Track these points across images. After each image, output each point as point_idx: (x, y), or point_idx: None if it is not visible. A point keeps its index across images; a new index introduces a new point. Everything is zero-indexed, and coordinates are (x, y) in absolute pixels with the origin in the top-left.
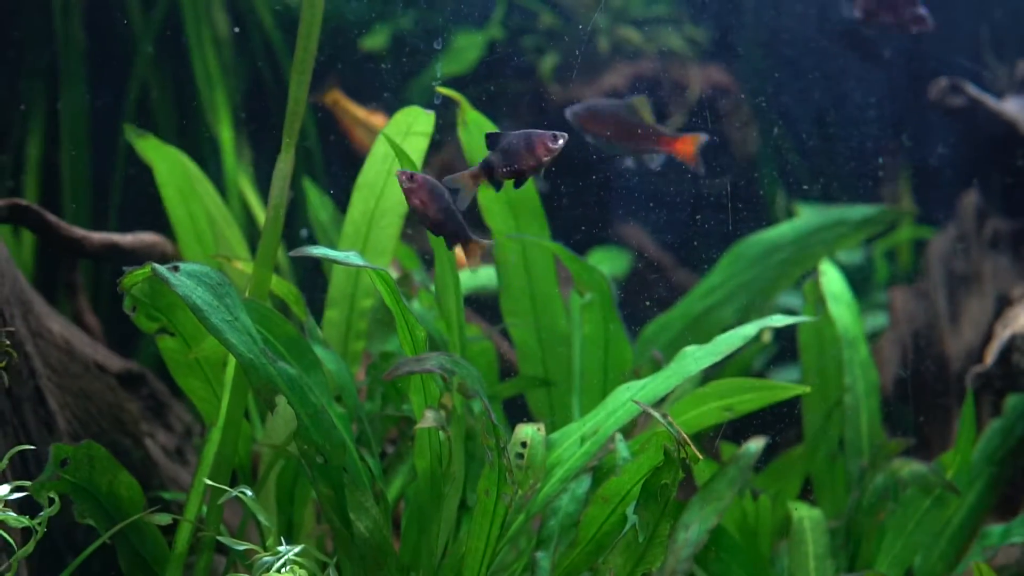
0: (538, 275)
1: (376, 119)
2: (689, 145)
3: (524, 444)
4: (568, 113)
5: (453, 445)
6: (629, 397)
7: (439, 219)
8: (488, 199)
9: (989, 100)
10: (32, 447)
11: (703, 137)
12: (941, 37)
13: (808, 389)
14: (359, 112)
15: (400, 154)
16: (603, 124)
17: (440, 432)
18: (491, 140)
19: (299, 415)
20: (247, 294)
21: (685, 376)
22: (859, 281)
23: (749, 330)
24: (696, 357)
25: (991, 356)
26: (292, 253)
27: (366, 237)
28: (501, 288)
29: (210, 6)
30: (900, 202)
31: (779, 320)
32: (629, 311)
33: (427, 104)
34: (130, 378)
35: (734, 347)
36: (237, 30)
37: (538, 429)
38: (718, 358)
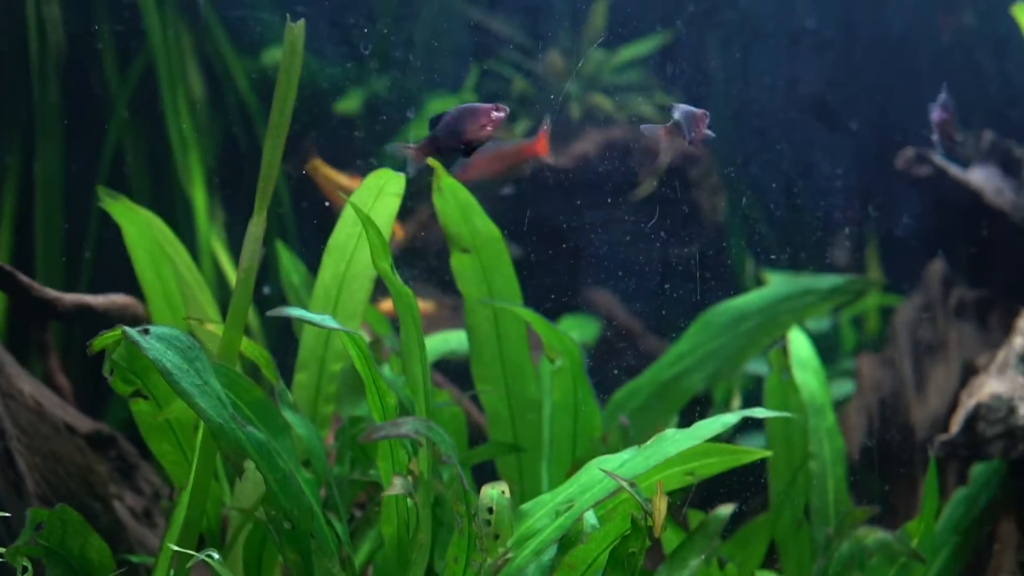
0: (509, 341)
1: (357, 185)
2: (542, 141)
3: (490, 510)
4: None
5: (420, 512)
6: (606, 472)
7: None
8: (461, 264)
9: (955, 170)
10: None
11: (547, 124)
12: (906, 108)
13: (769, 453)
14: (340, 179)
15: (366, 221)
16: (475, 166)
17: (408, 499)
18: (433, 120)
19: (267, 480)
20: (216, 357)
21: (664, 457)
22: (826, 348)
23: (730, 419)
24: (676, 440)
25: (956, 425)
26: (270, 313)
27: (336, 300)
28: (472, 354)
29: (185, 68)
30: (867, 271)
31: (761, 412)
32: (599, 377)
33: (402, 168)
34: (99, 439)
35: (715, 432)
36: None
37: (503, 492)
38: (698, 442)
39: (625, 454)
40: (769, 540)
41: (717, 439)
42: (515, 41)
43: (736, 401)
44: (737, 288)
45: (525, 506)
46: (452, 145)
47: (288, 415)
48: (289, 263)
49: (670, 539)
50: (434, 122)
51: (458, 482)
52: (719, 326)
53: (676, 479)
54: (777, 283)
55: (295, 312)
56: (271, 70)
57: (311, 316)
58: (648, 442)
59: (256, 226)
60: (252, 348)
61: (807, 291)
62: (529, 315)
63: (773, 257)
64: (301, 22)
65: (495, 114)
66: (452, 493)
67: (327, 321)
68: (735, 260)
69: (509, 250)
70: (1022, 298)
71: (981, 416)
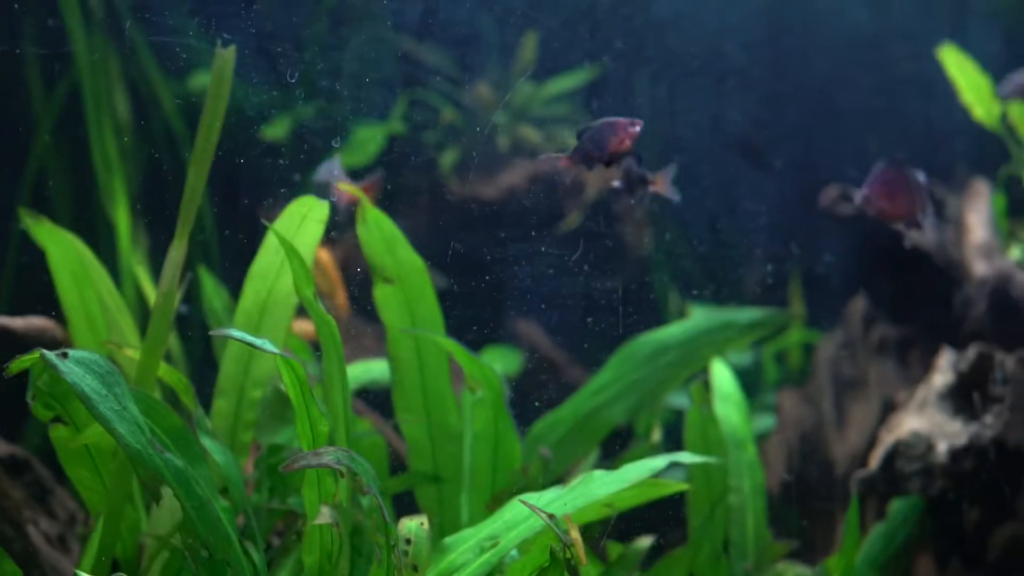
0: (431, 371)
1: (320, 254)
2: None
3: (408, 541)
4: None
5: (343, 541)
6: (531, 507)
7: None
8: (384, 294)
9: None
10: None
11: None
12: (830, 148)
13: (687, 486)
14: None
15: (288, 248)
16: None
17: (332, 528)
18: (580, 132)
19: (184, 507)
20: (134, 382)
21: (592, 499)
22: (749, 383)
23: (658, 463)
24: (604, 482)
25: (875, 461)
26: (212, 333)
27: (257, 326)
28: (394, 383)
29: (112, 92)
30: (790, 307)
31: (687, 457)
32: (521, 409)
33: (326, 196)
34: (14, 464)
35: (642, 477)
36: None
37: (421, 524)
38: (625, 485)
39: (551, 493)
40: (688, 573)
41: None
42: (444, 72)
43: (656, 434)
44: (661, 321)
45: (448, 540)
46: (597, 156)
47: (206, 442)
48: (211, 288)
49: (589, 572)
50: (580, 134)
51: (378, 512)
52: (640, 358)
53: (595, 511)
54: (698, 316)
55: (237, 334)
56: (197, 95)
57: (251, 338)
58: (575, 482)
59: (177, 251)
60: (171, 374)
61: (727, 324)
62: (451, 345)
63: (696, 292)
64: (231, 48)
65: (631, 128)
66: (372, 523)
67: (266, 345)
68: (659, 294)
69: (434, 280)
70: (942, 337)
71: (900, 453)
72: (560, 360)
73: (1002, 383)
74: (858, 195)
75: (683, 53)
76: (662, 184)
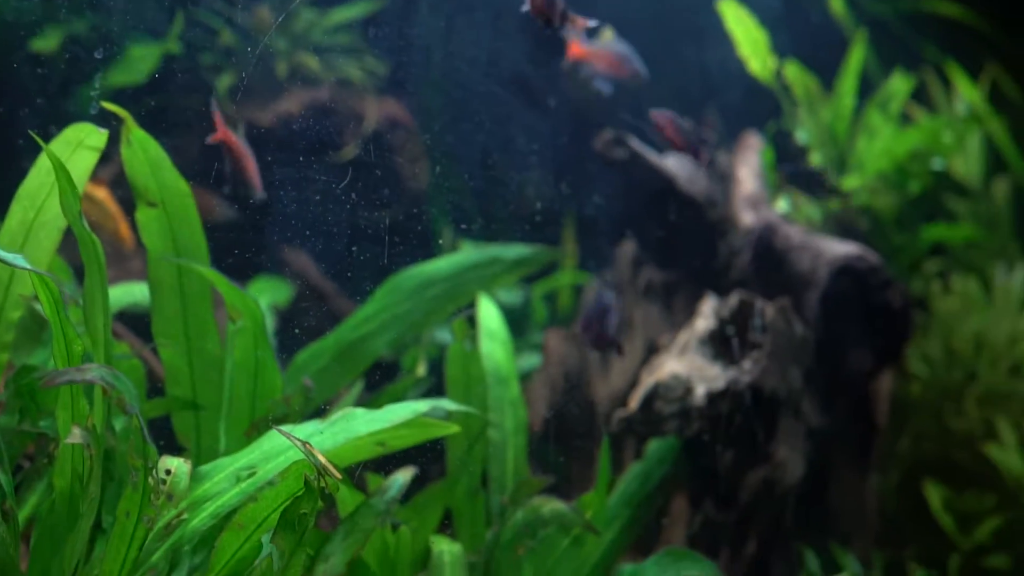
0: (193, 298)
1: (97, 191)
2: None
3: (168, 472)
4: None
5: (95, 465)
6: (290, 438)
7: None
8: (147, 218)
9: (651, 155)
10: None
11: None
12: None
13: (457, 429)
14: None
15: (58, 167)
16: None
17: (84, 450)
18: None
19: None
20: None
21: (353, 435)
22: (518, 322)
23: (420, 407)
24: (366, 420)
25: (635, 401)
26: None
27: (22, 248)
28: (153, 308)
29: None
30: (564, 247)
31: (450, 404)
32: (287, 339)
33: (97, 112)
34: None
35: (405, 419)
36: None
37: (184, 461)
38: (387, 425)
39: (310, 426)
40: (445, 507)
41: None
42: None
43: (422, 368)
44: (433, 255)
45: (203, 468)
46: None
47: None
48: None
49: (347, 503)
50: None
51: (137, 434)
52: (406, 291)
53: (367, 449)
54: (466, 251)
55: None
56: None
57: (4, 254)
58: (335, 417)
59: None
60: None
61: (494, 260)
62: (211, 274)
63: (467, 227)
64: None
65: None
66: (130, 446)
67: (18, 260)
68: (433, 228)
69: (208, 206)
70: (708, 284)
71: (659, 395)
72: (329, 291)
73: (761, 331)
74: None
75: None
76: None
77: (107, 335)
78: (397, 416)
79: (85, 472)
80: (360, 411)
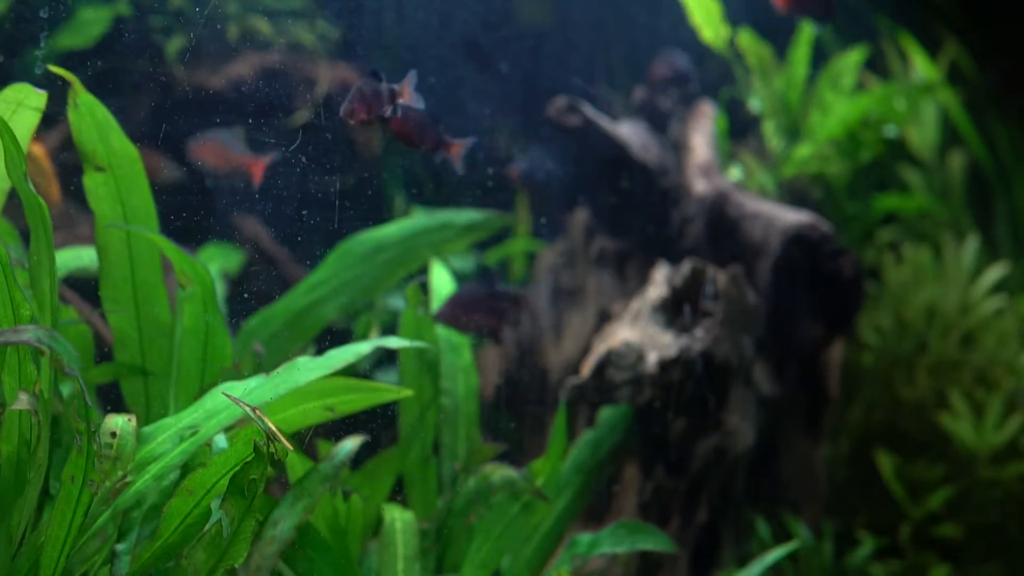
0: (142, 263)
1: (34, 147)
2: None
3: (114, 434)
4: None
5: (42, 430)
6: (231, 397)
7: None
8: (94, 182)
9: (605, 122)
10: None
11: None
12: (556, 56)
13: (410, 393)
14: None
15: (2, 127)
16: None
17: (31, 416)
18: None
19: None
20: None
21: (294, 385)
22: None
23: (363, 348)
24: (308, 368)
25: (587, 369)
26: None
27: None
28: (101, 273)
29: None
30: (517, 214)
31: (394, 341)
32: (238, 305)
33: (43, 74)
34: None
35: (347, 362)
36: None
37: (129, 420)
38: (329, 371)
39: (252, 381)
40: (397, 474)
41: (355, 373)
42: None
43: (374, 334)
44: (387, 220)
45: (146, 429)
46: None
47: None
48: None
49: (297, 469)
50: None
51: (80, 398)
52: (357, 256)
53: (316, 414)
54: (417, 216)
55: None
56: None
57: None
58: (278, 370)
59: None
60: None
61: (445, 225)
62: (159, 239)
63: (418, 193)
64: None
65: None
66: (72, 409)
67: None
68: (387, 192)
69: (160, 170)
70: (660, 252)
71: (611, 362)
72: (281, 256)
73: (713, 299)
74: (342, 108)
75: None
76: (407, 94)
77: (54, 299)
78: (339, 359)
79: (32, 438)
80: (302, 359)
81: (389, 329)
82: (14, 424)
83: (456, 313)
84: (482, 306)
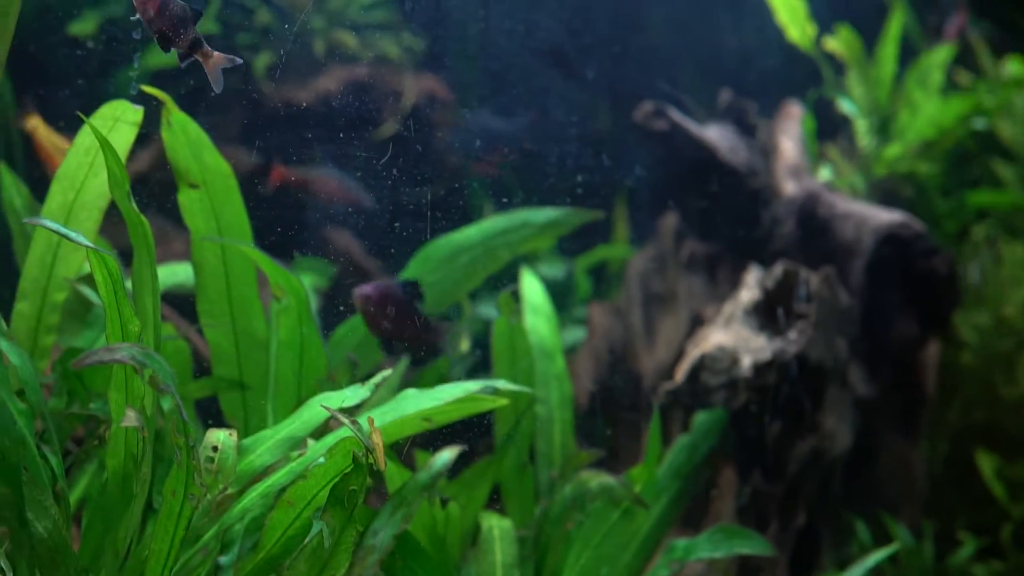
0: (237, 278)
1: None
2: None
3: (215, 448)
4: None
5: (147, 445)
6: (332, 411)
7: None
8: (189, 199)
9: (691, 126)
10: None
11: None
12: (641, 61)
13: (506, 402)
14: (59, 141)
15: (104, 144)
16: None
17: (137, 432)
18: None
19: None
20: None
21: (401, 415)
22: (562, 296)
23: (472, 386)
24: (416, 399)
25: (681, 374)
26: (26, 221)
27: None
28: (198, 289)
29: None
30: (614, 222)
31: (503, 384)
32: (333, 318)
33: (136, 94)
34: None
35: (455, 397)
36: None
37: (230, 434)
38: (438, 403)
39: (348, 391)
40: (493, 482)
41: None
42: None
43: (465, 344)
44: None
45: (245, 441)
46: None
47: (2, 343)
48: (12, 185)
49: (395, 479)
50: None
51: (177, 414)
52: (437, 260)
53: (413, 425)
54: (495, 217)
55: (52, 225)
56: None
57: (67, 231)
58: (390, 400)
59: None
60: None
61: (524, 224)
62: (254, 253)
63: (507, 201)
64: None
65: None
66: (171, 425)
67: (80, 238)
68: (473, 203)
69: (256, 186)
70: (750, 254)
71: (705, 366)
72: (372, 269)
73: (806, 300)
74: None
75: None
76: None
77: (156, 316)
78: (449, 395)
79: (138, 453)
80: (411, 391)
81: (480, 338)
82: (120, 439)
83: (370, 306)
84: (396, 314)
